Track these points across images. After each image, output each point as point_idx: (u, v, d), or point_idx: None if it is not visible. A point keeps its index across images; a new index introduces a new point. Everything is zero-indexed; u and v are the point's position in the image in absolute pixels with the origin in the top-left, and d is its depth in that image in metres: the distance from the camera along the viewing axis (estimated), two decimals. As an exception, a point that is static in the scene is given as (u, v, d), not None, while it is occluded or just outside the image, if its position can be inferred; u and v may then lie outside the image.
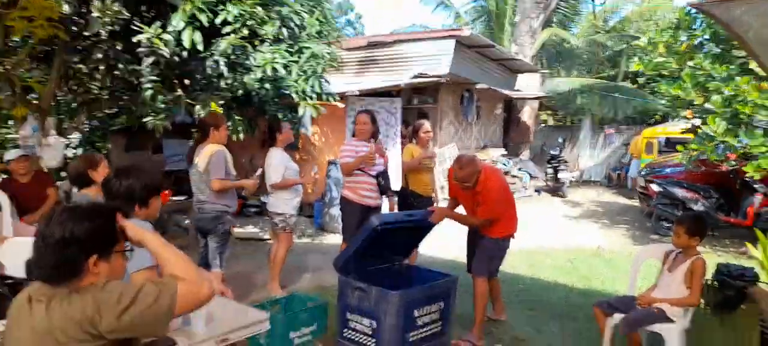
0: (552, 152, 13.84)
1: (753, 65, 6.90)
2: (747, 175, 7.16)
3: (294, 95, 6.77)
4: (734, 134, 7.01)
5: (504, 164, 13.07)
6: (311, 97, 6.79)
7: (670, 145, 12.63)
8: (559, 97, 18.14)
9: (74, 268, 1.51)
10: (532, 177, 13.79)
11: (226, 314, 2.41)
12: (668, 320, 3.36)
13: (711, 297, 3.84)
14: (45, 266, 1.50)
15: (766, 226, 7.10)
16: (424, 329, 3.54)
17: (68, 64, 5.29)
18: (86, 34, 4.78)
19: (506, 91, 15.00)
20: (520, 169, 13.58)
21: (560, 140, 15.00)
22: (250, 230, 7.93)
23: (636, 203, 11.28)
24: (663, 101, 9.89)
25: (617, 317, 3.50)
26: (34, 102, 5.75)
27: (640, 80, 19.53)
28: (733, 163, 7.72)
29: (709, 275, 3.63)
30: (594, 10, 21.24)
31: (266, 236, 7.58)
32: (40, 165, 5.58)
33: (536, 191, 13.26)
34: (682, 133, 9.07)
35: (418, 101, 12.41)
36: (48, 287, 1.52)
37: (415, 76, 11.42)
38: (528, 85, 17.22)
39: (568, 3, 19.90)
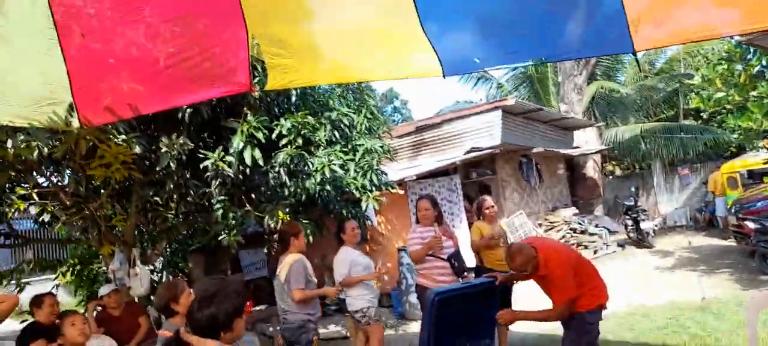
0: (627, 203, 13.17)
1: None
2: None
3: (355, 191, 6.87)
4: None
5: (579, 223, 12.52)
6: (371, 190, 6.86)
7: (754, 177, 11.80)
8: (621, 146, 17.54)
9: None
10: (610, 232, 13.10)
11: None
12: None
13: None
14: None
15: None
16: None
17: (145, 198, 5.63)
18: (157, 168, 5.09)
19: (565, 150, 14.67)
20: (596, 225, 12.95)
21: (633, 189, 14.30)
22: (332, 329, 7.85)
23: (733, 243, 10.39)
24: (734, 135, 9.36)
25: (746, 376, 3.10)
26: (119, 237, 6.10)
27: (704, 116, 18.71)
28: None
29: None
30: (636, 59, 20.85)
31: (349, 334, 7.47)
32: (130, 296, 5.83)
33: (619, 245, 12.53)
34: (765, 163, 8.46)
35: (476, 175, 12.31)
36: None
37: (469, 151, 11.40)
38: (586, 140, 16.81)
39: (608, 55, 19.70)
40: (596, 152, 16.45)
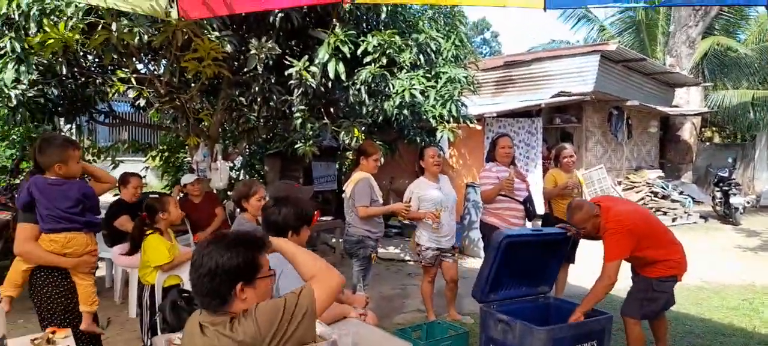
0: (720, 174, 12.24)
1: None
2: None
3: (432, 120, 6.81)
4: None
5: (662, 187, 11.86)
6: (448, 121, 6.77)
7: None
8: (727, 111, 16.11)
9: (223, 296, 1.63)
10: (695, 202, 12.33)
11: (372, 341, 2.42)
12: None
13: None
14: (199, 293, 1.65)
15: None
16: (575, 371, 3.25)
17: (231, 97, 5.88)
18: (245, 70, 5.26)
19: (662, 108, 13.69)
20: (680, 192, 12.22)
21: (730, 160, 13.23)
22: (392, 250, 8.08)
23: (833, 233, 9.51)
24: None
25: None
26: (205, 131, 6.47)
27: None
28: None
29: None
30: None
31: (407, 257, 7.67)
32: (210, 187, 6.26)
33: (702, 217, 11.81)
34: None
35: (560, 121, 11.81)
36: (208, 313, 1.65)
37: (556, 95, 10.90)
38: (688, 100, 15.56)
39: (733, 8, 17.66)
40: (697, 114, 15.23)
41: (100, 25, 4.41)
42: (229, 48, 4.93)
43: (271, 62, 5.20)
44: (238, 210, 3.85)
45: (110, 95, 5.84)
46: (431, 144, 7.15)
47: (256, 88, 5.45)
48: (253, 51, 4.94)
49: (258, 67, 5.00)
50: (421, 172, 4.81)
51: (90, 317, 3.02)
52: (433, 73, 6.90)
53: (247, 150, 9.34)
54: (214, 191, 6.42)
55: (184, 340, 1.76)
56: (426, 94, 6.39)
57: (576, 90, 10.89)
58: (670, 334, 4.63)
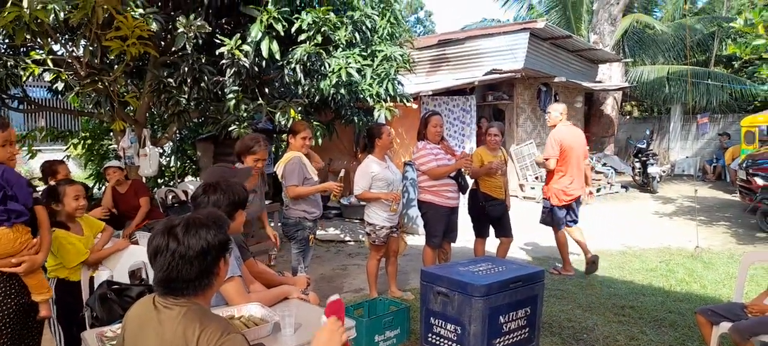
0: (639, 145, 13.07)
1: None
2: None
3: (369, 99, 6.81)
4: None
5: (587, 160, 12.48)
6: (385, 100, 6.80)
7: (775, 133, 11.58)
8: (644, 86, 17.12)
9: (212, 274, 1.61)
10: (617, 173, 13.10)
11: (313, 320, 2.43)
12: (789, 331, 3.03)
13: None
14: (184, 279, 1.56)
15: None
16: (511, 336, 3.41)
17: (159, 79, 5.60)
18: (173, 49, 5.04)
19: (586, 83, 14.35)
20: (604, 164, 12.93)
21: (648, 132, 14.14)
22: (332, 232, 8.07)
23: (736, 197, 10.39)
24: (764, 87, 9.05)
25: (724, 325, 3.21)
26: (131, 115, 6.15)
27: (736, 64, 18.06)
28: None
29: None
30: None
31: (347, 238, 7.69)
32: (138, 175, 5.96)
33: (623, 187, 12.57)
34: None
35: (492, 98, 12.14)
36: (175, 297, 1.58)
37: (489, 73, 11.17)
38: (610, 75, 16.39)
39: (652, -14, 18.75)
40: (618, 89, 16.09)
41: (10, 2, 4.08)
42: (154, 26, 4.70)
43: (200, 41, 5.00)
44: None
45: (24, 79, 5.41)
46: (368, 123, 7.19)
47: (186, 69, 5.22)
48: (180, 29, 4.72)
49: (187, 46, 4.80)
50: (370, 151, 4.74)
51: (47, 305, 2.83)
52: (369, 51, 6.88)
53: (178, 134, 8.99)
54: (144, 179, 6.13)
55: (130, 329, 1.67)
56: (363, 73, 6.37)
57: (507, 68, 11.21)
58: (597, 296, 4.96)
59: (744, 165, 9.56)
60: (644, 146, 12.90)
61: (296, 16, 5.26)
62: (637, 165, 12.73)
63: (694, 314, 3.46)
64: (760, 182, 8.13)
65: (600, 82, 15.80)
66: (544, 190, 5.87)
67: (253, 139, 3.81)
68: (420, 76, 12.28)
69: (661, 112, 18.97)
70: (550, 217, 5.78)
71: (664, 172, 13.79)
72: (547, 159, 5.72)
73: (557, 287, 5.23)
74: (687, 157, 16.39)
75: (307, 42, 5.25)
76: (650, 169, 12.25)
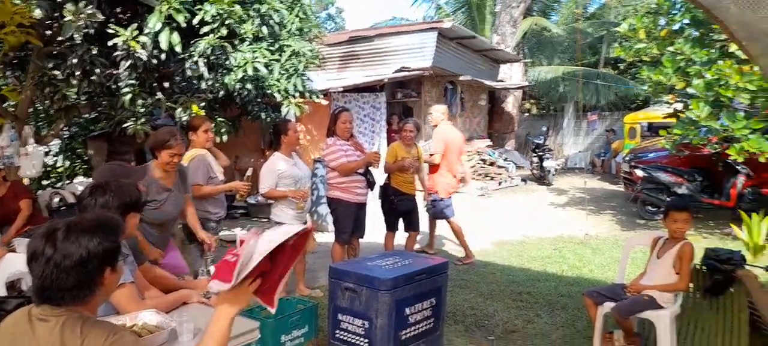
0: (536, 141, 13.90)
1: (734, 48, 6.95)
2: (730, 157, 7.24)
3: (276, 94, 6.71)
4: (716, 117, 7.07)
5: (489, 155, 13.09)
6: (294, 96, 6.73)
7: (653, 129, 12.78)
8: (542, 85, 18.21)
9: (93, 284, 1.49)
10: (517, 167, 13.84)
11: (214, 324, 2.35)
12: (659, 306, 3.37)
13: (700, 282, 3.86)
14: (62, 288, 1.44)
15: (749, 207, 7.21)
16: (417, 327, 3.51)
17: (43, 71, 5.15)
18: (60, 39, 4.65)
19: (490, 82, 15.02)
20: (505, 159, 13.62)
21: (544, 129, 15.07)
22: (239, 232, 7.84)
23: (621, 188, 11.38)
24: (645, 87, 9.95)
25: (608, 305, 3.51)
26: (11, 111, 5.61)
27: (621, 66, 19.72)
28: (716, 146, 7.79)
29: (697, 260, 3.65)
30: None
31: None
32: (19, 175, 5.44)
33: (523, 180, 13.32)
34: (665, 117, 9.13)
35: (402, 95, 12.38)
36: (52, 306, 1.46)
37: (398, 70, 11.38)
38: (511, 75, 17.26)
39: (548, -9, 19.99)
40: (518, 88, 16.99)
41: None
42: (38, 13, 4.32)
43: (92, 31, 4.65)
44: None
45: None
46: (278, 119, 7.07)
47: (74, 61, 4.83)
48: (68, 17, 4.36)
49: (75, 36, 4.45)
50: (276, 147, 4.63)
51: None
52: (276, 46, 6.77)
53: (67, 131, 8.32)
54: (25, 181, 5.60)
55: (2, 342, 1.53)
56: (270, 67, 6.27)
57: (416, 65, 11.48)
58: (497, 284, 5.23)
59: (627, 158, 10.50)
60: (541, 142, 13.75)
61: (199, 6, 5.04)
62: (535, 159, 13.55)
63: (582, 296, 3.74)
64: (640, 173, 8.94)
65: (502, 81, 16.59)
66: (430, 185, 6.09)
67: (168, 132, 3.55)
68: (330, 73, 12.26)
69: (556, 109, 20.30)
70: (439, 209, 6.03)
71: (558, 166, 14.78)
72: (432, 155, 5.98)
73: (461, 277, 5.45)
74: (579, 151, 17.67)
75: (211, 34, 5.05)
76: (546, 164, 13.08)
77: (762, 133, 6.95)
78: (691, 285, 3.77)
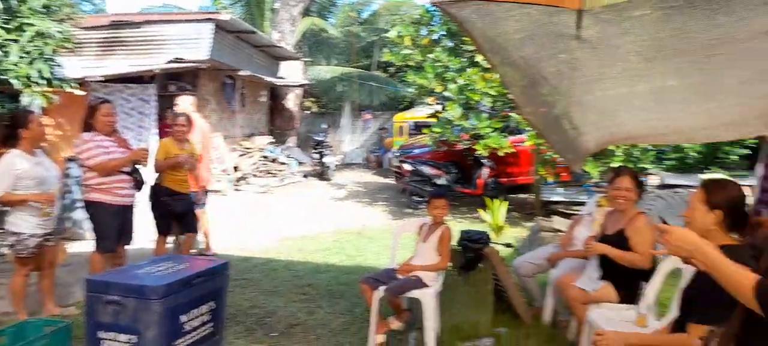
0: (317, 138, 14.33)
1: (479, 58, 8.12)
2: (477, 152, 8.45)
3: (14, 80, 5.63)
4: (466, 118, 8.19)
5: (271, 152, 13.04)
6: (38, 84, 5.73)
7: (418, 128, 14.25)
8: (321, 84, 18.82)
9: None
10: (299, 163, 14.07)
11: None
12: (424, 285, 3.75)
13: (457, 260, 4.41)
14: None
15: (492, 194, 8.51)
16: (194, 334, 3.29)
17: None
18: None
19: (270, 79, 14.93)
20: (287, 155, 13.72)
21: (324, 126, 15.63)
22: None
23: (392, 181, 12.40)
24: (411, 89, 11.02)
25: (382, 289, 3.77)
26: None
27: (391, 70, 21.49)
28: (466, 142, 9.02)
29: (455, 241, 4.15)
30: (350, 1, 22.56)
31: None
32: None
33: (305, 176, 13.58)
34: (427, 117, 10.26)
35: (175, 88, 11.50)
36: None
37: (172, 61, 10.55)
38: (291, 72, 17.44)
39: (325, -7, 20.71)
40: (299, 86, 17.26)
41: None
42: None
43: None
44: None
45: None
46: (16, 111, 5.93)
47: None
48: None
49: None
50: (13, 143, 3.89)
51: None
52: (15, 24, 5.68)
53: None
54: None
55: None
56: (5, 49, 5.22)
57: (191, 57, 10.78)
58: (280, 279, 5.23)
59: (396, 154, 11.51)
60: (321, 139, 14.22)
61: None
62: (316, 156, 13.96)
63: (359, 284, 3.95)
64: (407, 167, 9.88)
65: (283, 78, 16.66)
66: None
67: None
68: (87, 60, 10.76)
69: (335, 108, 21.21)
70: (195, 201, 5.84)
71: (337, 162, 15.48)
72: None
73: (243, 276, 5.31)
74: (355, 148, 18.76)
75: None
76: (326, 160, 13.59)
77: (501, 131, 8.29)
78: (450, 264, 4.29)
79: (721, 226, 2.14)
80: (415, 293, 3.74)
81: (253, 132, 14.38)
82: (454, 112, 8.15)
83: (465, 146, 9.29)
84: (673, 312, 2.93)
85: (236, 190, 11.20)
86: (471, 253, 4.29)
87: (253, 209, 9.46)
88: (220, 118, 12.60)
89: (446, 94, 8.57)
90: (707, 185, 2.22)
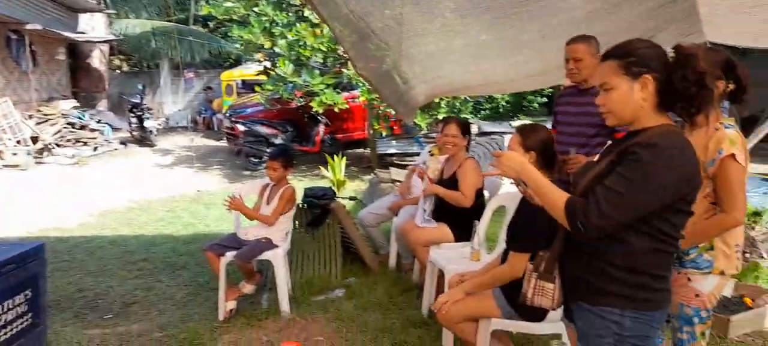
0: (133, 100, 12.98)
1: (307, 12, 8.00)
2: (313, 109, 8.44)
3: None
4: (298, 74, 8.07)
5: (79, 117, 11.51)
6: None
7: (247, 86, 13.70)
8: (131, 40, 16.93)
9: None
10: (114, 129, 12.67)
11: None
12: (274, 246, 3.69)
13: (304, 218, 4.42)
14: None
15: (330, 150, 8.62)
16: (9, 328, 2.84)
17: None
18: None
19: (68, 34, 13.01)
20: (98, 121, 12.24)
21: (140, 87, 14.15)
22: None
23: (225, 144, 11.82)
24: (237, 45, 10.48)
25: (229, 255, 3.62)
26: None
27: (211, 24, 20.16)
28: (301, 100, 8.94)
29: (299, 199, 4.14)
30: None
31: None
32: None
33: (122, 143, 12.27)
34: (257, 75, 9.89)
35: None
36: None
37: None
38: (93, 26, 15.39)
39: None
40: (104, 42, 15.33)
41: None
42: None
43: None
44: None
45: None
46: None
47: None
48: None
49: None
50: None
51: None
52: None
53: None
54: None
55: None
56: None
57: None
58: (109, 258, 4.73)
59: (227, 114, 10.94)
60: (138, 101, 12.91)
61: None
62: (134, 120, 12.66)
63: (203, 252, 3.74)
64: (241, 128, 9.49)
65: (83, 32, 14.63)
66: None
67: None
68: None
69: (150, 66, 19.31)
70: None
71: (160, 125, 14.24)
72: None
73: (62, 258, 4.69)
74: (179, 110, 17.40)
75: None
76: (147, 124, 12.41)
77: (334, 88, 8.36)
78: (296, 222, 4.27)
79: (536, 165, 2.42)
80: (265, 255, 3.67)
81: (53, 96, 12.51)
82: (285, 69, 7.97)
83: (300, 104, 9.20)
84: (501, 245, 3.33)
85: (39, 163, 9.68)
86: (317, 209, 4.33)
87: (62, 182, 8.31)
88: (8, 81, 10.72)
89: (276, 50, 8.33)
90: (522, 130, 2.48)
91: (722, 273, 2.03)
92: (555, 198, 1.48)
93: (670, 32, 3.54)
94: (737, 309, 3.17)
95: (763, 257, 3.96)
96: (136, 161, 10.50)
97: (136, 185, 8.05)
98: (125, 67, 20.73)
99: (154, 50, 17.25)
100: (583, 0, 3.17)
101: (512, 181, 1.76)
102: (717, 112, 1.97)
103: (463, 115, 8.05)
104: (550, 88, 8.98)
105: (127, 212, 6.46)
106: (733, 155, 1.90)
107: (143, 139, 12.46)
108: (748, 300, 3.26)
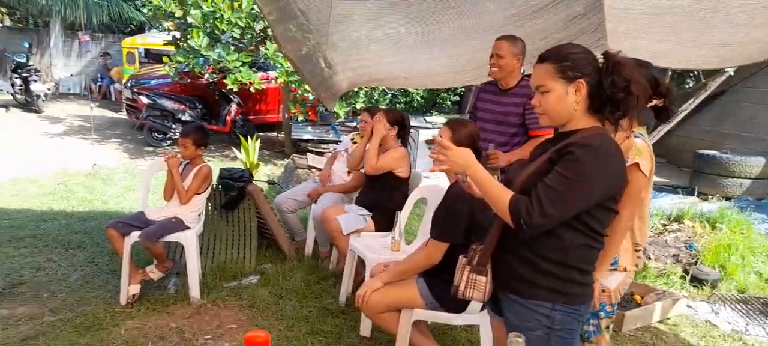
0: (18, 60, 11.69)
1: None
2: (227, 87, 8.08)
3: None
4: (213, 49, 7.69)
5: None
6: None
7: (152, 56, 12.83)
8: (16, -7, 15.20)
9: None
10: (-6, 90, 11.36)
11: None
12: (186, 227, 3.50)
13: (218, 200, 4.23)
14: None
15: (241, 131, 8.31)
16: None
17: None
18: None
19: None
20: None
21: (27, 45, 12.78)
22: None
23: (124, 116, 10.99)
24: (145, 10, 9.76)
25: (135, 235, 3.39)
26: None
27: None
28: (213, 76, 8.52)
29: (214, 180, 3.96)
30: None
31: None
32: None
33: (3, 106, 11.02)
34: (164, 45, 9.25)
35: None
36: None
37: None
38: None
39: None
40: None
41: None
42: None
43: None
44: None
45: None
46: None
47: None
48: None
49: None
50: None
51: None
52: None
53: None
54: None
55: None
56: None
57: None
58: (-10, 233, 4.25)
59: (129, 85, 10.17)
60: (24, 61, 11.66)
61: None
62: (18, 82, 11.40)
63: (105, 230, 3.47)
64: (145, 100, 8.85)
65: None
66: None
67: None
68: None
69: (37, 24, 17.48)
70: None
71: (49, 90, 12.96)
72: None
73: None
74: (71, 75, 15.95)
75: None
76: (34, 87, 11.23)
77: (250, 66, 8.06)
78: (209, 203, 4.09)
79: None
80: (175, 237, 3.47)
81: None
82: (199, 41, 7.56)
83: (212, 80, 8.77)
84: (421, 236, 3.40)
85: None
86: (233, 191, 4.16)
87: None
88: None
89: (189, 20, 7.85)
90: (451, 124, 2.54)
91: (626, 270, 2.22)
92: (499, 195, 1.53)
93: (581, 42, 3.80)
94: (628, 306, 3.49)
95: (650, 259, 4.38)
96: (21, 128, 9.51)
97: (22, 155, 7.30)
98: (8, 22, 18.58)
99: (44, 6, 15.61)
100: (502, 5, 3.31)
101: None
102: (637, 119, 2.13)
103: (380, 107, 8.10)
104: (463, 87, 9.29)
105: (11, 184, 5.84)
106: (637, 164, 2.07)
107: (29, 103, 11.28)
108: (637, 297, 3.60)
